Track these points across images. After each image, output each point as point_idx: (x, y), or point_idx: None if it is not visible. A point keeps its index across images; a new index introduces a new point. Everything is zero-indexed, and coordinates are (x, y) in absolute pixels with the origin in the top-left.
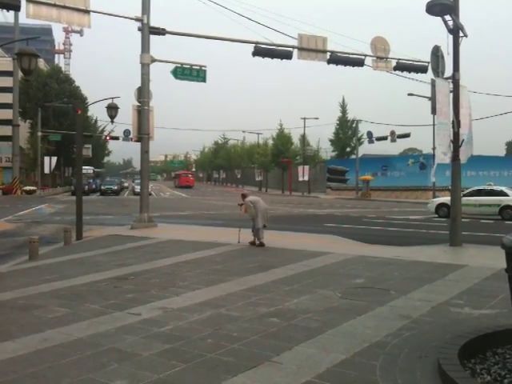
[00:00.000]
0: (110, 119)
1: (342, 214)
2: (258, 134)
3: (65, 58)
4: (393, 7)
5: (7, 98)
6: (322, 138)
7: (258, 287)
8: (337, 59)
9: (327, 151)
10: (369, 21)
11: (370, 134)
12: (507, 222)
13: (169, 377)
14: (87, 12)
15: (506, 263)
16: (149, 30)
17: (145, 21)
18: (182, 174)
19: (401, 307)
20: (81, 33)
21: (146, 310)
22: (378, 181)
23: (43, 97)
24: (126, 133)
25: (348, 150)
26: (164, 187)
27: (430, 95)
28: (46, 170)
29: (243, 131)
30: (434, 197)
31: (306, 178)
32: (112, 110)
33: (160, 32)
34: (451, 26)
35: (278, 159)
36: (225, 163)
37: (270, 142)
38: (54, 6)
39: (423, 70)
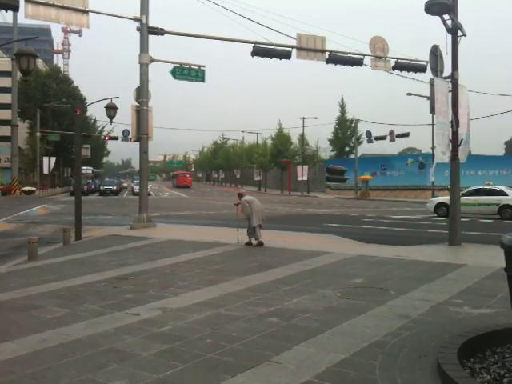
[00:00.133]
0: (108, 119)
1: (341, 214)
2: (257, 133)
3: (64, 58)
4: (392, 7)
5: (6, 98)
6: (321, 137)
7: (258, 287)
8: (336, 59)
9: (326, 151)
10: (368, 20)
11: (369, 134)
12: (506, 222)
13: (168, 377)
14: (86, 12)
15: (505, 262)
16: (147, 30)
17: (143, 21)
18: (180, 174)
19: (400, 307)
20: (79, 33)
21: (145, 310)
22: (377, 180)
23: (42, 97)
24: (125, 133)
25: (347, 149)
26: (163, 187)
27: (428, 95)
28: (45, 171)
29: (242, 131)
30: (433, 196)
31: (305, 178)
32: (111, 110)
33: (159, 32)
34: (450, 26)
35: (277, 159)
36: (224, 163)
37: (269, 141)
38: (53, 6)
39: (422, 69)
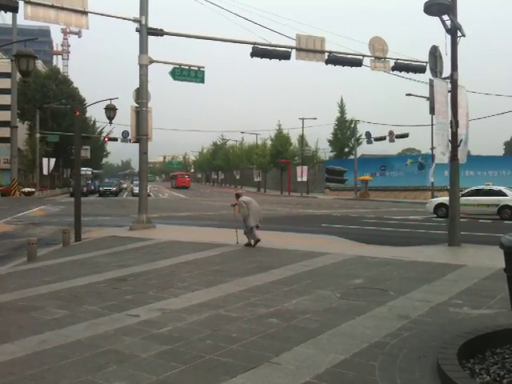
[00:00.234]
0: (108, 120)
1: (341, 215)
2: (256, 134)
3: (63, 59)
4: (391, 7)
5: (5, 99)
6: (320, 138)
7: (257, 288)
8: (335, 59)
9: (326, 152)
10: (367, 20)
11: (368, 135)
12: (506, 222)
13: (168, 378)
14: (85, 13)
15: (505, 263)
16: (147, 31)
17: (143, 22)
18: (178, 175)
19: (400, 307)
20: (79, 34)
21: (145, 312)
22: (377, 181)
23: (41, 98)
24: (125, 134)
25: (346, 150)
26: (163, 188)
27: (428, 95)
28: (45, 172)
29: (242, 132)
30: (433, 197)
31: (305, 179)
32: (110, 111)
33: (158, 33)
34: (449, 26)
35: (277, 160)
36: (223, 164)
37: (269, 142)
38: (52, 7)
39: (421, 70)
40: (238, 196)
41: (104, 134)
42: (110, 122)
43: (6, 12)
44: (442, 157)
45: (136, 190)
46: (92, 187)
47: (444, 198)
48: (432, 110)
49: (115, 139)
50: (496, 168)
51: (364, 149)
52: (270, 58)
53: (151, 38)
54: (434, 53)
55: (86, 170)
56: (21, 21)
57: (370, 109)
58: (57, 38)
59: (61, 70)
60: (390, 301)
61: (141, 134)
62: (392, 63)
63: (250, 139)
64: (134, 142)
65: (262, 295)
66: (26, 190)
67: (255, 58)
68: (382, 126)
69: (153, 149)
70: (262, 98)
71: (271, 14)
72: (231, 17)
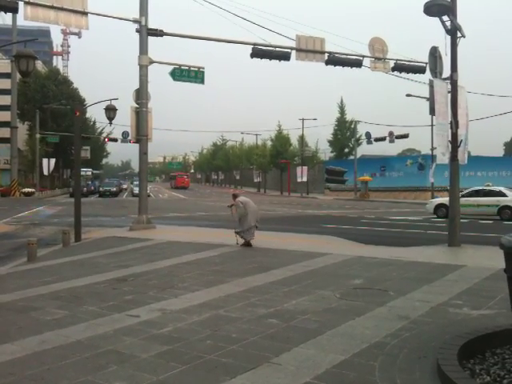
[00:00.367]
0: (108, 121)
1: (341, 215)
2: (256, 135)
3: (63, 59)
4: (391, 8)
5: (5, 99)
6: (320, 138)
7: (257, 288)
8: (335, 60)
9: (325, 152)
10: (367, 21)
11: (368, 135)
12: (506, 223)
13: (168, 378)
14: (85, 14)
15: (505, 263)
16: (147, 32)
17: (143, 22)
18: (177, 176)
19: (400, 308)
20: (79, 35)
21: (145, 312)
22: (377, 181)
23: (41, 99)
24: (125, 134)
25: (346, 150)
26: (162, 188)
27: (428, 96)
28: (45, 172)
29: (242, 132)
30: (433, 197)
31: (305, 179)
32: (110, 111)
33: (158, 33)
34: (449, 27)
35: (277, 160)
36: (223, 164)
37: (269, 142)
38: (52, 7)
39: (421, 70)
40: (235, 196)
41: (104, 135)
42: (110, 123)
43: (5, 12)
44: (443, 157)
45: (136, 190)
46: (92, 187)
47: (444, 199)
48: (432, 111)
49: (115, 140)
50: (496, 168)
51: (364, 149)
52: (270, 59)
53: (151, 39)
54: (434, 53)
55: (85, 171)
56: (21, 21)
57: (370, 109)
58: (57, 38)
59: (61, 71)
60: (390, 301)
61: (141, 134)
62: (392, 64)
63: (249, 139)
64: (133, 143)
65: (261, 295)
66: (26, 190)
67: (255, 59)
68: (382, 127)
69: (153, 149)
70: (262, 98)
71: (270, 14)
72: (230, 17)
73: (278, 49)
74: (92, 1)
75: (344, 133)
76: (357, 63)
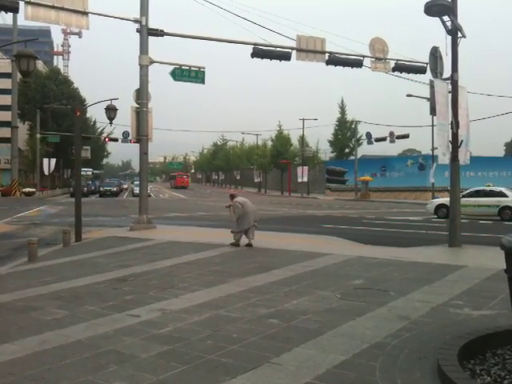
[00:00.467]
0: (108, 121)
1: (341, 215)
2: (256, 135)
3: (63, 59)
4: (391, 8)
5: (6, 99)
6: (320, 138)
7: (258, 288)
8: (335, 60)
9: (326, 152)
10: (367, 21)
11: (368, 135)
12: (506, 223)
13: (168, 378)
14: (85, 14)
15: (506, 264)
16: (147, 32)
17: (143, 22)
18: (177, 175)
19: (400, 308)
20: (79, 34)
21: (145, 312)
22: (377, 182)
23: (42, 98)
24: (125, 134)
25: (347, 150)
26: (163, 188)
27: (428, 96)
28: (45, 172)
29: (242, 132)
30: (433, 198)
31: (305, 179)
32: (111, 111)
33: (158, 33)
34: (450, 27)
35: (277, 160)
36: (224, 164)
37: (269, 143)
38: (53, 7)
39: (422, 70)
40: (232, 197)
41: (104, 135)
42: (111, 123)
43: (6, 12)
44: (443, 158)
45: (136, 190)
46: (92, 187)
47: (445, 199)
48: (432, 111)
49: (116, 139)
50: (497, 169)
51: (364, 149)
52: (271, 59)
53: (151, 39)
54: (435, 54)
55: (86, 171)
56: (21, 21)
57: (371, 109)
58: (57, 38)
59: (61, 71)
60: (391, 301)
61: (141, 134)
62: (392, 64)
63: (250, 139)
64: (134, 143)
65: (262, 296)
66: (27, 190)
67: (255, 59)
68: (382, 127)
69: (153, 149)
70: (263, 98)
71: (271, 14)
72: (231, 17)
73: (278, 49)
74: (92, 1)
75: (344, 133)
76: (357, 63)
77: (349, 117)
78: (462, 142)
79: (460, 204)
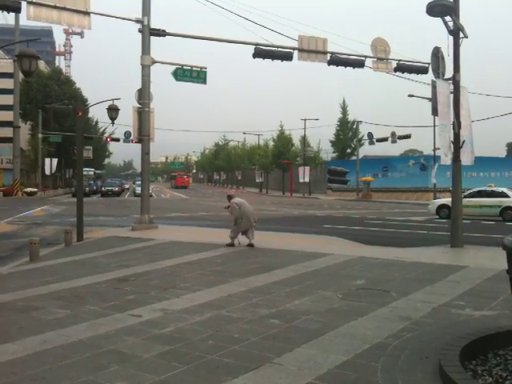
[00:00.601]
0: (110, 121)
1: (343, 216)
2: (258, 135)
3: (65, 59)
4: (392, 8)
5: (8, 99)
6: (322, 139)
7: (259, 288)
8: (337, 60)
9: (328, 152)
10: (368, 21)
11: (370, 135)
12: (508, 223)
13: (169, 378)
14: (87, 13)
15: (507, 264)
16: (149, 32)
17: (145, 22)
18: (177, 175)
19: (401, 308)
20: (81, 35)
21: (147, 312)
22: (379, 182)
23: (44, 98)
24: (127, 134)
25: (348, 151)
26: (164, 188)
27: (430, 96)
28: (47, 172)
29: (244, 132)
30: (435, 198)
31: (307, 180)
32: (112, 111)
33: (160, 33)
34: (451, 27)
35: (279, 160)
36: (225, 164)
37: (271, 143)
38: (55, 7)
39: (424, 71)
40: (229, 198)
41: (106, 135)
42: (113, 123)
43: (8, 12)
44: (445, 158)
45: (138, 190)
46: (94, 187)
47: (446, 200)
48: (434, 111)
49: (117, 139)
50: (498, 169)
51: (366, 150)
52: (272, 59)
53: (153, 39)
54: (437, 54)
55: (88, 171)
56: (23, 21)
57: (372, 109)
58: (59, 38)
59: (63, 71)
60: (392, 302)
61: (143, 134)
62: (394, 64)
63: (251, 140)
64: (136, 143)
65: (263, 296)
66: (29, 190)
67: (257, 59)
68: (384, 127)
69: (155, 149)
70: (264, 98)
71: (272, 14)
72: (232, 17)
73: (280, 49)
74: (94, 1)
75: (346, 133)
76: (359, 63)
77: (350, 117)
78: (463, 142)
79: (462, 204)
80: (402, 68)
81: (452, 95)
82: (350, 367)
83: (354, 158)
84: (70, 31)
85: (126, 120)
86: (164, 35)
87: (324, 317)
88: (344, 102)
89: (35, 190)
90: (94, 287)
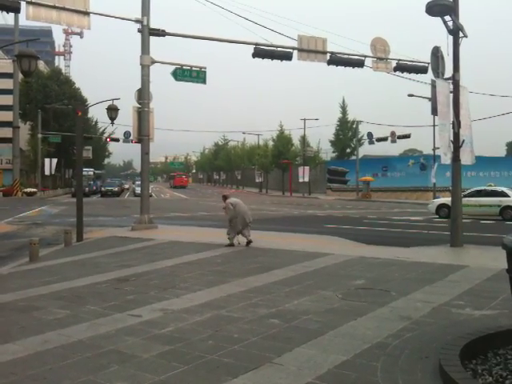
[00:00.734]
0: (110, 121)
1: (342, 215)
2: (258, 135)
3: (65, 59)
4: (391, 7)
5: (7, 99)
6: (322, 138)
7: (259, 288)
8: (337, 60)
9: (327, 152)
10: (367, 21)
11: (370, 135)
12: (508, 223)
13: (169, 378)
14: (87, 14)
15: (507, 264)
16: (149, 32)
17: (145, 22)
18: (176, 175)
19: (401, 308)
20: (81, 35)
21: (147, 312)
22: (379, 182)
23: (43, 98)
24: (127, 134)
25: (348, 150)
26: (164, 188)
27: (430, 96)
28: (47, 172)
29: (243, 132)
30: (435, 197)
31: (307, 179)
32: (112, 111)
33: (160, 33)
34: (451, 27)
35: (279, 160)
36: (225, 164)
37: (271, 143)
38: (54, 7)
39: (423, 70)
40: (225, 198)
41: (106, 135)
42: (112, 123)
43: (8, 12)
44: (445, 157)
45: (138, 190)
46: (94, 187)
47: (446, 199)
48: (434, 111)
49: (117, 140)
50: (498, 169)
51: (366, 149)
52: (272, 59)
53: (152, 39)
54: (436, 53)
55: (87, 171)
56: (23, 21)
57: (372, 109)
58: (59, 38)
59: (63, 71)
60: (392, 302)
61: (142, 134)
62: (394, 64)
63: (251, 140)
64: (135, 143)
65: (263, 296)
66: (28, 190)
67: (256, 59)
68: (383, 127)
69: (154, 149)
70: (264, 98)
71: (272, 14)
72: (232, 17)
73: (279, 49)
74: (94, 1)
75: (346, 133)
76: (359, 63)
77: (350, 117)
78: (463, 141)
79: (461, 204)
80: (402, 68)
81: (452, 95)
82: (349, 367)
83: (353, 157)
84: (70, 31)
85: (126, 120)
86: (164, 35)
87: (324, 317)
88: (344, 101)
89: (35, 190)
90: (94, 287)
